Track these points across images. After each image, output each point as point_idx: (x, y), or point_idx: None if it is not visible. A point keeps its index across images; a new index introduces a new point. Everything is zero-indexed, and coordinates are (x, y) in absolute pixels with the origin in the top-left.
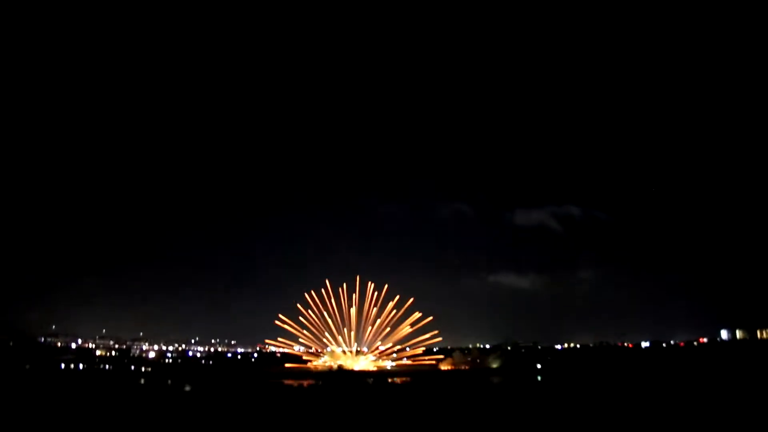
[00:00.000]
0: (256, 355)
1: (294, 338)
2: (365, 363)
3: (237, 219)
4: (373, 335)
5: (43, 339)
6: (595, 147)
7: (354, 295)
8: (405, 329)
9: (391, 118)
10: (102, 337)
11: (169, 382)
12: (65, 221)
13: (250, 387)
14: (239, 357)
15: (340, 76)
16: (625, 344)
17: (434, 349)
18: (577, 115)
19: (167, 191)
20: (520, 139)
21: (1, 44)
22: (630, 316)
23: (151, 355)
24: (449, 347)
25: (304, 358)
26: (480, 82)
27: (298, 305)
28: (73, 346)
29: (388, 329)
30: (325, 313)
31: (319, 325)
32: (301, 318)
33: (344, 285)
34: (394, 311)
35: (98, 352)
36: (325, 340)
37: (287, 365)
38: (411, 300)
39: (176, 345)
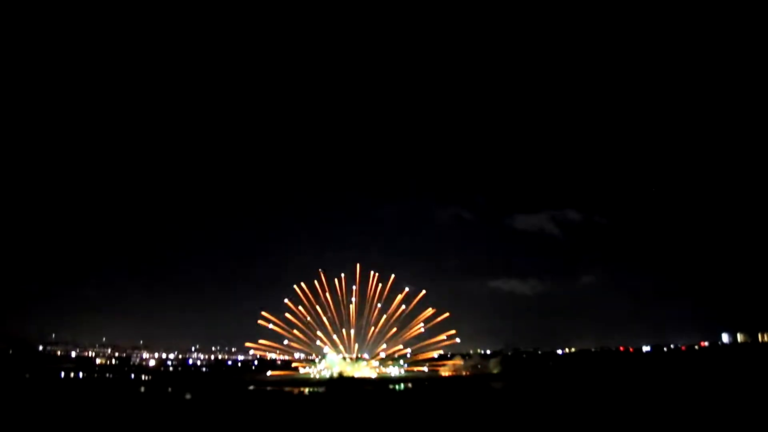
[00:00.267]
0: (256, 362)
1: (281, 341)
2: (367, 370)
3: (237, 226)
4: (377, 336)
5: (42, 348)
6: (593, 151)
7: (354, 287)
8: (411, 329)
9: (390, 122)
10: (102, 346)
11: (170, 390)
12: (65, 230)
13: (249, 394)
14: (240, 364)
15: (341, 80)
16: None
17: (435, 355)
18: (576, 120)
19: (167, 199)
20: (519, 144)
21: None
22: (631, 320)
23: (152, 363)
24: (449, 353)
25: (295, 365)
26: (479, 86)
27: (288, 302)
28: (73, 354)
29: (395, 329)
30: (318, 309)
31: (312, 324)
32: (288, 315)
33: (342, 276)
34: (402, 306)
35: (98, 361)
36: (318, 342)
37: (271, 373)
38: (422, 293)
39: (176, 353)
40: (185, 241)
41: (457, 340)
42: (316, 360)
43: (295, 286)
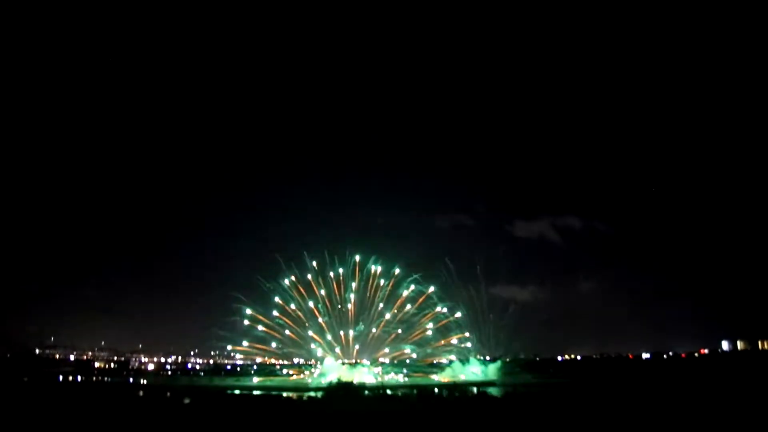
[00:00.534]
0: (255, 366)
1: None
2: (367, 376)
3: (237, 231)
4: (379, 338)
5: (41, 351)
6: (594, 157)
7: (353, 284)
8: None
9: (388, 128)
10: (101, 349)
11: (168, 394)
12: (65, 232)
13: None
14: (239, 369)
15: (341, 87)
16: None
17: (434, 361)
18: (576, 126)
19: (167, 201)
20: (519, 150)
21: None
22: (631, 327)
23: (150, 367)
24: (448, 359)
25: (287, 371)
26: (480, 92)
27: (279, 300)
28: (72, 357)
29: (399, 330)
30: (312, 306)
31: (303, 321)
32: (278, 314)
33: (340, 271)
34: (408, 305)
35: (97, 364)
36: (313, 345)
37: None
38: (431, 289)
39: (175, 357)
40: (186, 244)
41: (469, 344)
42: (311, 365)
43: (286, 280)
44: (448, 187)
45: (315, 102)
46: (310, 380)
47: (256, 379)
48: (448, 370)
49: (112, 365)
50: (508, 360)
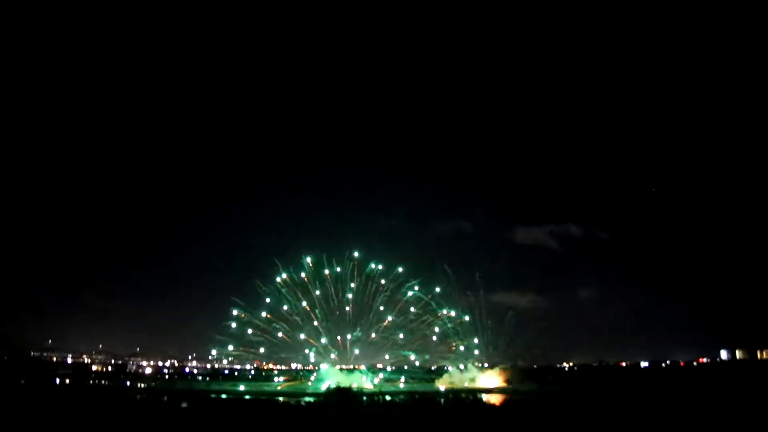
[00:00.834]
0: (253, 371)
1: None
2: (365, 381)
3: (233, 234)
4: (379, 342)
5: (38, 353)
6: (595, 165)
7: (352, 285)
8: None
9: (388, 134)
10: (98, 352)
11: (165, 398)
12: (62, 235)
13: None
14: (236, 373)
15: (341, 92)
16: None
17: (450, 367)
18: (578, 134)
19: (166, 205)
20: (519, 157)
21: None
22: (629, 335)
23: (148, 371)
24: (446, 366)
25: (282, 378)
26: (481, 99)
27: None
28: (69, 360)
29: (401, 335)
30: (306, 306)
31: (297, 324)
32: (268, 315)
33: (337, 269)
34: (411, 309)
35: (94, 368)
36: (307, 351)
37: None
38: (436, 289)
39: (173, 361)
40: (185, 247)
41: (476, 351)
42: (310, 370)
43: (278, 278)
44: (447, 192)
45: (315, 104)
46: (309, 385)
47: (242, 386)
48: (446, 377)
49: (110, 368)
50: (506, 367)
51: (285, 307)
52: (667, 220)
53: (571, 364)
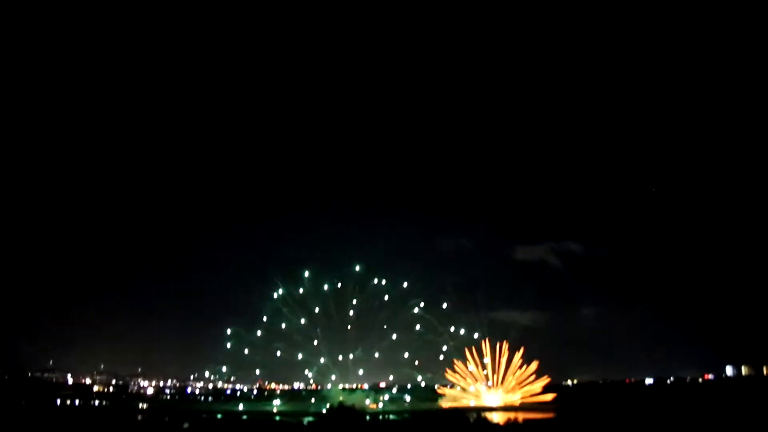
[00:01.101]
0: (255, 392)
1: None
2: (369, 401)
3: (235, 255)
4: (384, 360)
5: (39, 374)
6: (595, 183)
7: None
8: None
9: (391, 151)
10: (99, 373)
11: (167, 419)
12: (63, 255)
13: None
14: (238, 394)
15: (342, 108)
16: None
17: (436, 386)
18: (578, 152)
19: (166, 225)
20: (520, 175)
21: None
22: (634, 352)
23: (150, 391)
24: (449, 385)
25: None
26: (481, 116)
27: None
28: (70, 381)
29: (406, 354)
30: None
31: (297, 342)
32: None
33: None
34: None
35: (95, 388)
36: (307, 371)
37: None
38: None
39: (174, 381)
40: (186, 268)
41: (487, 372)
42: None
43: (274, 294)
44: (449, 210)
45: (318, 119)
46: (311, 404)
47: (241, 406)
48: (450, 396)
49: (111, 389)
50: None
51: (283, 325)
52: (669, 235)
53: (575, 381)
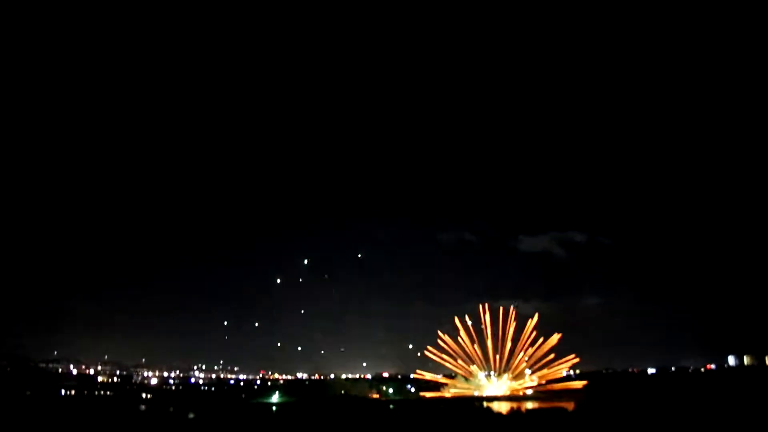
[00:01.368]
0: (258, 381)
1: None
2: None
3: (241, 247)
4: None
5: (43, 364)
6: (598, 173)
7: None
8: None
9: (393, 147)
10: (104, 363)
11: (171, 409)
12: (67, 245)
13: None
14: (242, 384)
15: (345, 109)
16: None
17: (439, 376)
18: (581, 142)
19: (171, 218)
20: (523, 166)
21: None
22: (637, 342)
23: (153, 381)
24: (453, 374)
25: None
26: (483, 110)
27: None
28: (74, 371)
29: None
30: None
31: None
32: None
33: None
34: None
35: (100, 379)
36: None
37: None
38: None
39: (178, 371)
40: (190, 259)
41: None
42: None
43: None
44: (452, 202)
45: (321, 115)
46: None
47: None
48: (452, 385)
49: (115, 379)
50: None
51: (285, 316)
52: (673, 226)
53: (577, 371)
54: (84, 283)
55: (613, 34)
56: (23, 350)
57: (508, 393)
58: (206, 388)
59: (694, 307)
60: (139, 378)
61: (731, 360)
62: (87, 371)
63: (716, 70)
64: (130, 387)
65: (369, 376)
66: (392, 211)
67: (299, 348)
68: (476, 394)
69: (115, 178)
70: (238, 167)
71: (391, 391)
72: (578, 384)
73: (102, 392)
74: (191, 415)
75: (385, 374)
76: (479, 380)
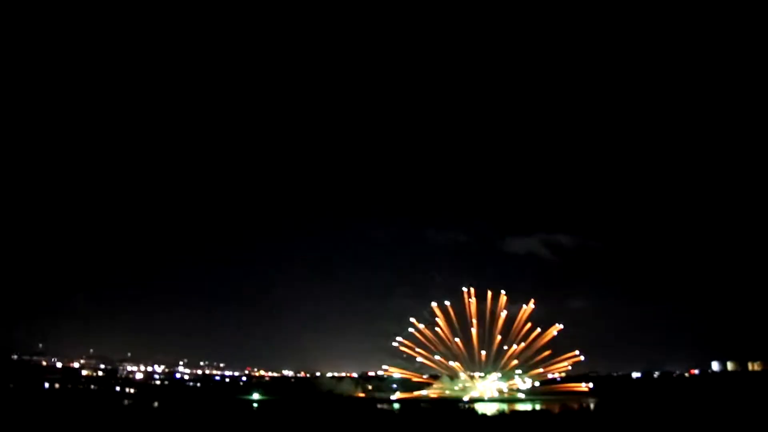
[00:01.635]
0: (245, 378)
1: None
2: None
3: (228, 242)
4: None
5: (28, 357)
6: (586, 176)
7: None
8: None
9: (384, 149)
10: (89, 357)
11: (156, 404)
12: (54, 238)
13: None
14: (228, 380)
15: (337, 109)
16: None
17: (425, 375)
18: (569, 145)
19: (157, 212)
20: (512, 168)
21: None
22: (621, 346)
23: (139, 376)
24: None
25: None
26: (473, 112)
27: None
28: (59, 365)
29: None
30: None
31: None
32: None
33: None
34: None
35: (84, 372)
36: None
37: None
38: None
39: (164, 367)
40: (176, 254)
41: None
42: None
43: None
44: (442, 202)
45: (312, 115)
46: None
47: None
48: (437, 385)
49: (100, 373)
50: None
51: (273, 313)
52: (658, 231)
53: (562, 374)
54: (70, 277)
55: (600, 38)
56: (7, 343)
57: (497, 395)
58: (192, 383)
59: (680, 314)
60: (125, 372)
61: (715, 365)
62: (71, 365)
63: (701, 70)
64: (114, 381)
65: (355, 375)
66: (385, 212)
67: (286, 345)
68: (463, 395)
69: (99, 173)
70: (229, 164)
71: (375, 389)
72: (583, 386)
73: (86, 386)
74: (173, 411)
75: (371, 373)
76: (463, 380)
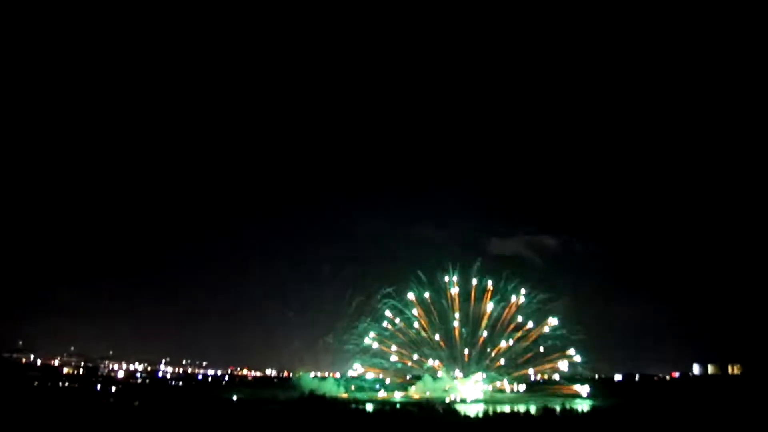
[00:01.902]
0: (227, 377)
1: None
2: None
3: (211, 239)
4: None
5: (7, 354)
6: (571, 177)
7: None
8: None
9: (367, 146)
10: (69, 355)
11: (137, 403)
12: (34, 233)
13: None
14: (210, 379)
15: (325, 105)
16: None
17: (408, 377)
18: (553, 146)
19: (139, 206)
20: (496, 168)
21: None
22: (603, 348)
23: (120, 374)
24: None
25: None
26: (458, 111)
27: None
28: (38, 362)
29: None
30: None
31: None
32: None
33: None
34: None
35: (65, 370)
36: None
37: None
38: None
39: (146, 365)
40: (159, 252)
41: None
42: None
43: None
44: (426, 200)
45: (299, 110)
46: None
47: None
48: (419, 386)
49: (81, 371)
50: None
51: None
52: (642, 234)
53: (546, 376)
54: (51, 273)
55: (594, 40)
56: None
57: (481, 396)
58: (174, 382)
59: (661, 316)
60: (106, 370)
61: (695, 368)
62: (52, 362)
63: (695, 71)
64: (95, 379)
65: (338, 375)
66: (365, 209)
67: (269, 344)
68: (445, 396)
69: (84, 171)
70: (218, 158)
71: (358, 390)
72: (581, 389)
73: (67, 384)
74: (155, 409)
75: (353, 373)
76: (445, 380)
